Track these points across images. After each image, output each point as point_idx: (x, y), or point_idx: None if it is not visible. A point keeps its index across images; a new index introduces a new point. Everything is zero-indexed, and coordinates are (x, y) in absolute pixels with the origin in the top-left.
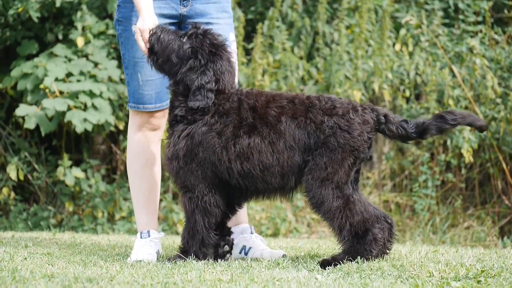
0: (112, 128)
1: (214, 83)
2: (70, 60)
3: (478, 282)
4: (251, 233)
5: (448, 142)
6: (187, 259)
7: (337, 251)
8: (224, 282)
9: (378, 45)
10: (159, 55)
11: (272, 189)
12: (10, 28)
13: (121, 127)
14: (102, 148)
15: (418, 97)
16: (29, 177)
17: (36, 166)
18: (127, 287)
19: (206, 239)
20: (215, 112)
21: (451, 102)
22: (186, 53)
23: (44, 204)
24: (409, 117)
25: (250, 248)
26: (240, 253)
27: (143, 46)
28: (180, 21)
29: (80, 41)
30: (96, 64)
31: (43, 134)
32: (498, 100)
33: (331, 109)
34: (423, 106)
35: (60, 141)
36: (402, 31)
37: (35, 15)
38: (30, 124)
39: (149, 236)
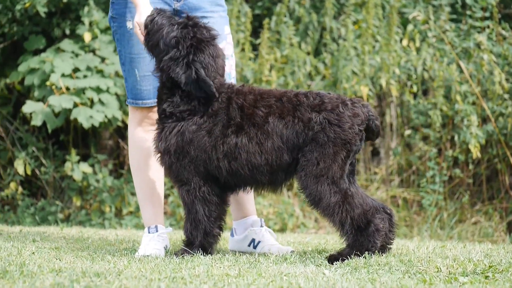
0: (119, 123)
1: (202, 70)
2: (77, 55)
3: (486, 277)
4: (261, 226)
5: (456, 138)
6: (193, 252)
7: (343, 246)
8: (232, 276)
9: (385, 40)
10: (150, 37)
11: (261, 185)
12: (18, 23)
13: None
14: (110, 143)
15: (425, 92)
16: (37, 172)
17: (43, 161)
18: (135, 282)
19: (209, 228)
20: (204, 112)
21: (458, 97)
22: (171, 41)
23: (52, 199)
24: (416, 113)
25: (259, 242)
26: (249, 246)
27: (141, 38)
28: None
29: (87, 36)
30: (103, 59)
31: (49, 130)
32: (506, 96)
33: (320, 105)
34: (431, 102)
35: (68, 136)
36: (410, 27)
37: (42, 10)
38: (36, 121)
39: (157, 231)
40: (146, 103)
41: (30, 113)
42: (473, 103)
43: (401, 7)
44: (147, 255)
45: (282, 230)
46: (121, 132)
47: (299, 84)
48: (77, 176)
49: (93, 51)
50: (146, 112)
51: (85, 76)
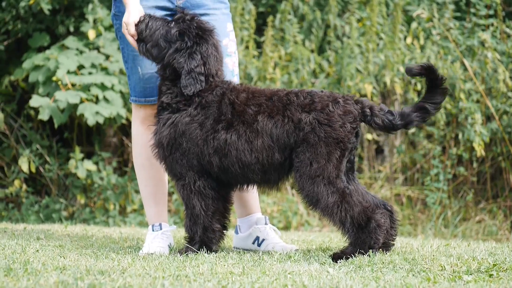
0: (124, 121)
1: (203, 67)
2: (81, 52)
3: (490, 276)
4: (266, 224)
5: (460, 136)
6: (194, 248)
7: (346, 244)
8: (236, 275)
9: (390, 38)
10: (147, 40)
11: (254, 183)
12: (22, 20)
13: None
14: (114, 141)
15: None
16: (41, 169)
17: (47, 159)
18: (139, 280)
19: (207, 222)
20: (198, 103)
21: (462, 95)
22: (173, 36)
23: (56, 196)
24: None
25: (263, 240)
26: (253, 243)
27: (130, 39)
28: (176, 14)
29: (91, 34)
30: (107, 57)
31: (56, 125)
32: (510, 94)
33: (309, 104)
34: None
35: (72, 133)
36: (414, 24)
37: (46, 8)
38: (44, 116)
39: (161, 229)
40: (149, 100)
41: (36, 108)
42: (477, 101)
43: (405, 5)
44: (151, 253)
45: (286, 228)
46: (125, 129)
47: (303, 82)
48: (81, 173)
49: (97, 49)
50: (150, 109)
51: (89, 73)
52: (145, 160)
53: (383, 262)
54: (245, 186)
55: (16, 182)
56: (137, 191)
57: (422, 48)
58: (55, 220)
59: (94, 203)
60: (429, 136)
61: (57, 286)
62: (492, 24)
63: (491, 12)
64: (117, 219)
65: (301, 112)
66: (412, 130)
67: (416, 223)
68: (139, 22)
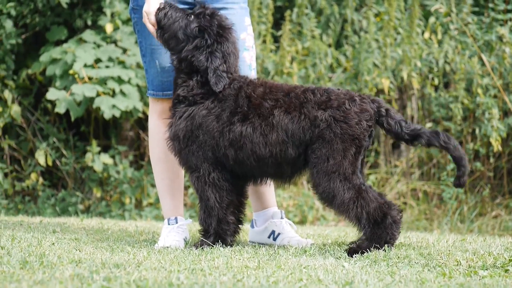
0: (140, 115)
1: (225, 65)
2: (99, 46)
3: (506, 271)
4: (281, 218)
5: (477, 131)
6: (209, 242)
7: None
8: (251, 268)
9: (407, 33)
10: (165, 30)
11: (268, 176)
12: (40, 13)
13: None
14: (130, 135)
15: (446, 85)
16: (58, 162)
17: (64, 152)
18: (154, 273)
19: (221, 214)
20: (215, 97)
21: (479, 90)
22: (193, 31)
23: (72, 189)
24: (438, 105)
25: (279, 234)
26: (269, 237)
27: (151, 28)
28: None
29: (109, 27)
30: (124, 50)
31: (73, 118)
32: None
33: (326, 102)
34: (452, 95)
35: (89, 127)
36: (431, 19)
37: (64, 1)
38: (60, 109)
39: (176, 222)
40: (167, 94)
41: (54, 101)
42: (495, 96)
43: None
44: (167, 247)
45: (302, 222)
46: (142, 123)
47: (320, 77)
48: (98, 167)
49: (115, 42)
50: (167, 103)
51: (107, 67)
52: (161, 153)
53: (398, 257)
54: (259, 180)
55: (33, 175)
56: (153, 185)
57: (440, 43)
58: (71, 213)
59: (110, 197)
60: (446, 131)
61: (73, 279)
62: (511, 19)
63: (510, 7)
64: (133, 213)
65: (318, 110)
66: (429, 124)
67: (432, 218)
68: (159, 9)
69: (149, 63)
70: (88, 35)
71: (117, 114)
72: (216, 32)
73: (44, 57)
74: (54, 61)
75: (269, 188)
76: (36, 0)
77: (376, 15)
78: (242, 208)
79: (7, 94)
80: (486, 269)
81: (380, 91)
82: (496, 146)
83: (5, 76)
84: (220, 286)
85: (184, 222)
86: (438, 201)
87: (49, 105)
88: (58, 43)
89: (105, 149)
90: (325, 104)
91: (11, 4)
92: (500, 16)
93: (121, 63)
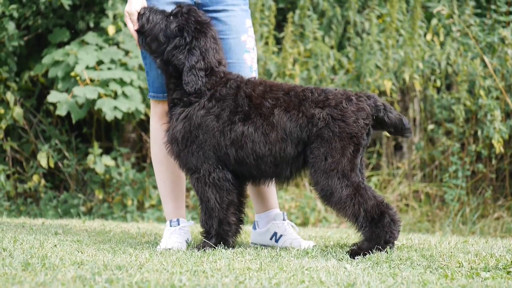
0: (142, 117)
1: (202, 62)
2: (101, 48)
3: (508, 273)
4: (283, 219)
5: (479, 133)
6: (211, 243)
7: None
8: (253, 270)
9: (409, 34)
10: (147, 34)
11: (267, 176)
12: (42, 15)
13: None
14: (132, 136)
15: (449, 87)
16: (60, 164)
17: (66, 154)
18: (156, 275)
19: (222, 215)
20: (211, 96)
21: (482, 92)
22: (173, 31)
23: (74, 191)
24: (440, 107)
25: (281, 235)
26: (271, 239)
27: (131, 28)
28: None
29: (111, 29)
30: (127, 52)
31: (74, 121)
32: None
33: (324, 101)
34: (454, 96)
35: (91, 129)
36: (434, 21)
37: (66, 3)
38: (61, 111)
39: (178, 224)
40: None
41: (55, 103)
42: (497, 98)
43: (425, 1)
44: (169, 249)
45: (304, 224)
46: (144, 125)
47: (322, 78)
48: (100, 169)
49: (117, 44)
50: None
51: (109, 69)
52: (163, 155)
53: (400, 259)
54: (258, 180)
55: (35, 177)
56: (155, 187)
57: (442, 44)
58: (73, 215)
59: (112, 199)
60: (448, 133)
61: (75, 281)
62: None
63: None
64: (135, 215)
65: (315, 108)
66: (431, 126)
67: (434, 219)
68: (140, 15)
69: (150, 65)
70: (90, 37)
71: (119, 116)
72: (194, 29)
73: (46, 59)
74: (56, 63)
75: (271, 190)
76: (38, 2)
77: (378, 17)
78: (242, 208)
79: (10, 96)
80: (488, 271)
81: (382, 93)
82: (498, 148)
83: (7, 78)
84: None
85: (186, 223)
86: (440, 203)
87: (51, 107)
88: (61, 45)
89: (107, 151)
90: (323, 103)
91: (14, 6)
92: (502, 18)
93: (123, 65)
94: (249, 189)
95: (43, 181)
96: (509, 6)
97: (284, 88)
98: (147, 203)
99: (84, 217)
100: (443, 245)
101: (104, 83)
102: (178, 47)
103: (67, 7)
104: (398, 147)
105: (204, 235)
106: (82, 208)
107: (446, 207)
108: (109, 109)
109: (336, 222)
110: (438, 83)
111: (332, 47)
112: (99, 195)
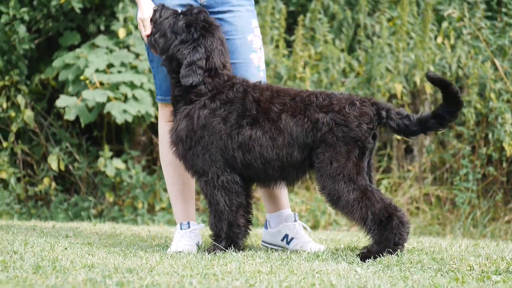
0: (153, 119)
1: (205, 60)
2: (111, 51)
3: None
4: (295, 221)
5: (490, 136)
6: (221, 246)
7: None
8: (264, 273)
9: (420, 37)
10: (156, 28)
11: (274, 180)
12: (53, 19)
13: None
14: (143, 139)
15: (459, 90)
16: (70, 167)
17: (77, 157)
18: (167, 278)
19: (232, 217)
20: (214, 97)
21: (492, 95)
22: (180, 28)
23: (85, 194)
24: None
25: (292, 238)
26: (282, 240)
27: (143, 34)
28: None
29: (121, 32)
30: (137, 55)
31: (82, 125)
32: None
33: (328, 105)
34: (465, 99)
35: (101, 132)
36: (444, 24)
37: (77, 6)
38: (70, 116)
39: (189, 227)
40: None
41: (64, 108)
42: (508, 101)
43: (436, 4)
44: (179, 252)
45: (315, 227)
46: (155, 128)
47: (333, 81)
48: (110, 172)
49: (128, 47)
50: None
51: (119, 72)
52: (172, 158)
53: (411, 262)
54: (264, 182)
55: (46, 180)
56: (166, 190)
57: (453, 47)
58: (83, 218)
59: (122, 202)
60: (458, 136)
61: (85, 284)
62: None
63: None
64: (146, 218)
65: (319, 113)
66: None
67: (445, 223)
68: (155, 11)
69: (157, 68)
70: (101, 40)
71: (129, 119)
72: (202, 26)
73: (57, 62)
74: (67, 66)
75: (282, 190)
76: (49, 5)
77: (389, 20)
78: (250, 210)
79: (20, 99)
80: (499, 274)
81: (393, 96)
82: (509, 150)
83: (18, 81)
84: None
85: (196, 226)
86: (450, 206)
87: (61, 110)
88: (71, 48)
89: (117, 154)
90: (327, 108)
91: (24, 9)
92: None
93: (134, 68)
94: (260, 190)
95: (53, 184)
96: None
97: (290, 93)
98: (157, 206)
99: (94, 220)
100: (453, 248)
101: (114, 86)
102: (184, 43)
103: (77, 10)
104: (408, 150)
105: (214, 238)
106: (93, 211)
107: (457, 210)
108: (119, 113)
109: (346, 225)
110: None
111: (342, 50)
112: (110, 198)
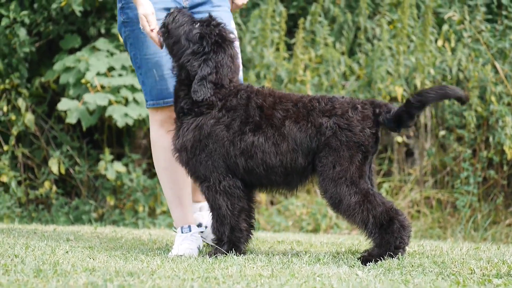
0: None
1: (215, 75)
2: (112, 54)
3: None
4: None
5: (490, 139)
6: (223, 250)
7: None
8: (265, 277)
9: (420, 40)
10: (171, 34)
11: (276, 185)
12: (53, 22)
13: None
14: (144, 143)
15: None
16: (71, 171)
17: (77, 160)
18: (168, 282)
19: (234, 222)
20: (222, 107)
21: (493, 98)
22: (194, 37)
23: (86, 198)
24: (451, 113)
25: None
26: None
27: (148, 29)
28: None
29: None
30: None
31: (84, 128)
32: None
33: (330, 110)
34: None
35: (102, 135)
36: (445, 27)
37: (78, 9)
38: (71, 119)
39: (190, 230)
40: (167, 102)
41: (65, 111)
42: (508, 104)
43: (436, 7)
44: (180, 255)
45: (316, 230)
46: None
47: (333, 84)
48: (111, 175)
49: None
50: (168, 111)
51: (120, 75)
52: (167, 163)
53: (412, 265)
54: (267, 188)
55: (46, 184)
56: None
57: (453, 50)
58: (84, 221)
59: (123, 205)
60: (459, 139)
61: (87, 287)
62: None
63: None
64: (147, 221)
65: (322, 117)
66: (443, 132)
67: (445, 226)
68: (169, 13)
69: (146, 74)
70: (101, 43)
71: (130, 122)
72: (214, 41)
73: (57, 66)
74: (67, 69)
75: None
76: (50, 8)
77: (389, 23)
78: (252, 214)
79: (21, 103)
80: (500, 278)
81: (393, 99)
82: (510, 154)
83: (18, 84)
84: None
85: (197, 230)
86: (451, 209)
87: (62, 114)
88: (72, 51)
89: (118, 157)
90: (330, 112)
91: (25, 12)
92: None
93: (134, 71)
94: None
95: (54, 188)
96: None
97: (292, 99)
98: (158, 210)
99: (95, 223)
100: (454, 251)
101: (115, 90)
102: (195, 54)
103: (78, 13)
104: (409, 153)
105: (216, 242)
106: (94, 215)
107: (458, 214)
108: (120, 116)
109: (347, 228)
110: None
111: (343, 53)
112: (111, 201)
